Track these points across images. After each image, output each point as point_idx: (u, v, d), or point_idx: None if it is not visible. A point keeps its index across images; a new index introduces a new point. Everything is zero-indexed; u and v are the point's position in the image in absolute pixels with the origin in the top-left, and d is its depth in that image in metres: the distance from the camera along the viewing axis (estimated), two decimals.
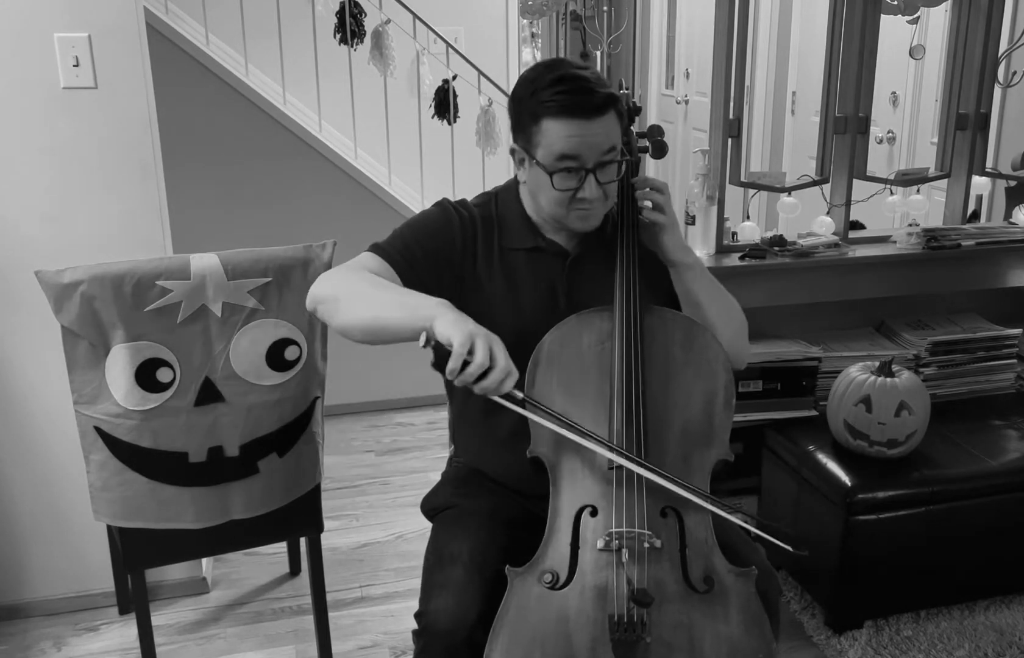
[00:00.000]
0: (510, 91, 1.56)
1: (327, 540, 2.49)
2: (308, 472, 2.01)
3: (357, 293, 1.43)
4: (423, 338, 1.31)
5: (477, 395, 1.63)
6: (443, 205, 1.60)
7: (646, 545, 1.38)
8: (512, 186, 1.63)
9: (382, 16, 3.45)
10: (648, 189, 1.56)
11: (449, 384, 1.71)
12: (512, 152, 1.55)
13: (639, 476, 1.39)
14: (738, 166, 2.47)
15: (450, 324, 1.29)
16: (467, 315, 1.33)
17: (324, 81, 3.53)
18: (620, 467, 1.40)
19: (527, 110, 1.47)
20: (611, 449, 1.40)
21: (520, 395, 1.35)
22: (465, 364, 1.27)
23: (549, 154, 1.45)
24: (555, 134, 1.43)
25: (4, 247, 2.15)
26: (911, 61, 2.94)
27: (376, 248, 1.53)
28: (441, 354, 1.30)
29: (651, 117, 5.01)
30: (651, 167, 4.82)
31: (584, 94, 1.42)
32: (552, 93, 1.42)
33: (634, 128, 1.62)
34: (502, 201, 1.63)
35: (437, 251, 1.54)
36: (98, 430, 1.84)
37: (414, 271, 1.51)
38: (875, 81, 2.50)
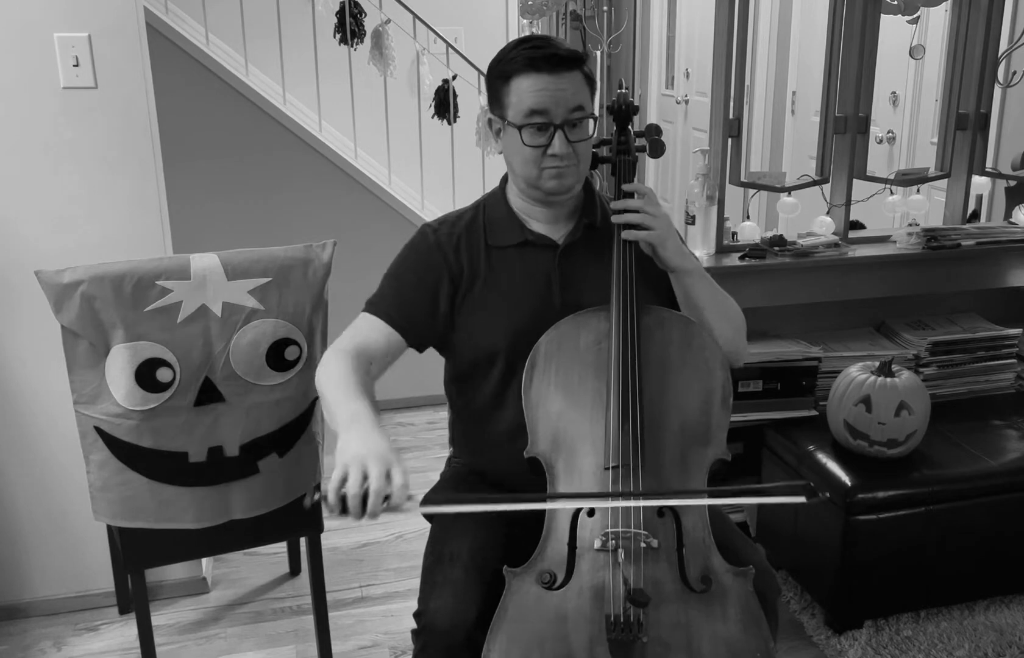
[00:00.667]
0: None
1: (327, 540, 2.49)
2: (308, 472, 2.01)
3: (322, 396, 1.50)
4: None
5: (477, 396, 1.63)
6: (423, 232, 1.64)
7: (643, 545, 1.37)
8: (498, 190, 1.65)
9: (382, 16, 3.45)
10: (628, 203, 1.51)
11: (449, 386, 1.72)
12: (489, 123, 1.60)
13: (636, 475, 1.40)
14: (738, 166, 2.47)
15: (336, 454, 1.28)
16: (365, 432, 1.32)
17: (324, 81, 3.53)
18: (617, 467, 1.40)
19: (498, 74, 1.53)
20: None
21: (420, 510, 1.30)
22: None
23: (518, 111, 1.49)
24: (523, 90, 1.48)
25: (4, 247, 2.15)
26: (911, 61, 2.94)
27: (371, 307, 1.57)
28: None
29: (651, 117, 5.00)
30: (650, 166, 4.82)
31: (548, 49, 1.48)
32: (519, 51, 1.50)
33: (631, 127, 1.62)
34: (489, 205, 1.65)
35: (428, 284, 1.58)
36: (98, 430, 1.84)
37: (409, 318, 1.56)
38: (875, 81, 2.50)
